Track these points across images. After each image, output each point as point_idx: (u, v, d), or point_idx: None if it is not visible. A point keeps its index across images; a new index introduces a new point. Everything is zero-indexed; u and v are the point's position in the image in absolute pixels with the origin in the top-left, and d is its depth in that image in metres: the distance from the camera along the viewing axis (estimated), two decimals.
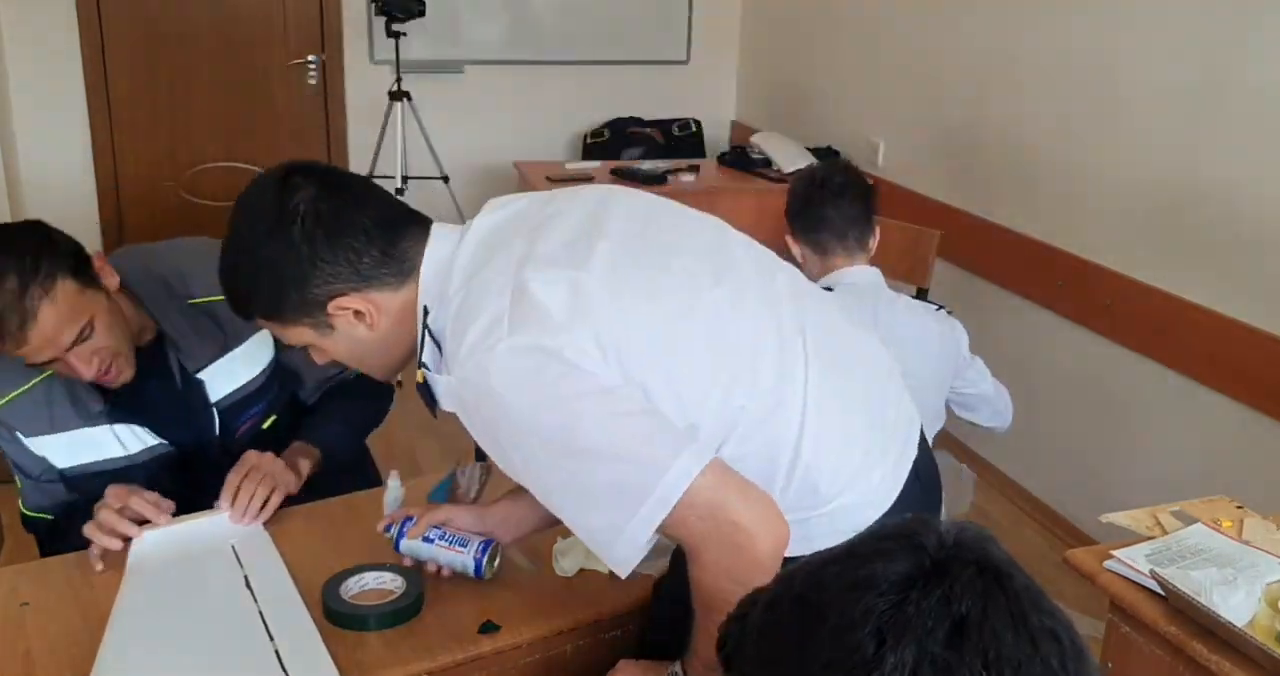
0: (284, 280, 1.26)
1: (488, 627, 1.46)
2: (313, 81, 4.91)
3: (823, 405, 1.30)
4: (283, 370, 1.90)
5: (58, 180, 4.62)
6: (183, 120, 4.79)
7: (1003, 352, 3.54)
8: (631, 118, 5.22)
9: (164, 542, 1.60)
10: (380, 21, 4.55)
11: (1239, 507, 1.72)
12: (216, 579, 1.54)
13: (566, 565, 1.58)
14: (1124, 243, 3.02)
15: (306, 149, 5.00)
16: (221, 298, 1.59)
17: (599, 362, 1.18)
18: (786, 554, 1.25)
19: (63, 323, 1.55)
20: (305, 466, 1.77)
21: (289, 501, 1.76)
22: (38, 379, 1.71)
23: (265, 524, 1.68)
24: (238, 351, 1.82)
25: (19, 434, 1.72)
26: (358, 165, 4.93)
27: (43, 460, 1.74)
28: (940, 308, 2.40)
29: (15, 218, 4.42)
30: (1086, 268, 3.13)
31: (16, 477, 1.78)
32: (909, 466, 1.39)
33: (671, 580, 1.45)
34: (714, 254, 1.37)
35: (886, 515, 1.33)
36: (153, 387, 1.75)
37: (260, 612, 1.46)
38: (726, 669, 0.79)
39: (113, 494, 1.61)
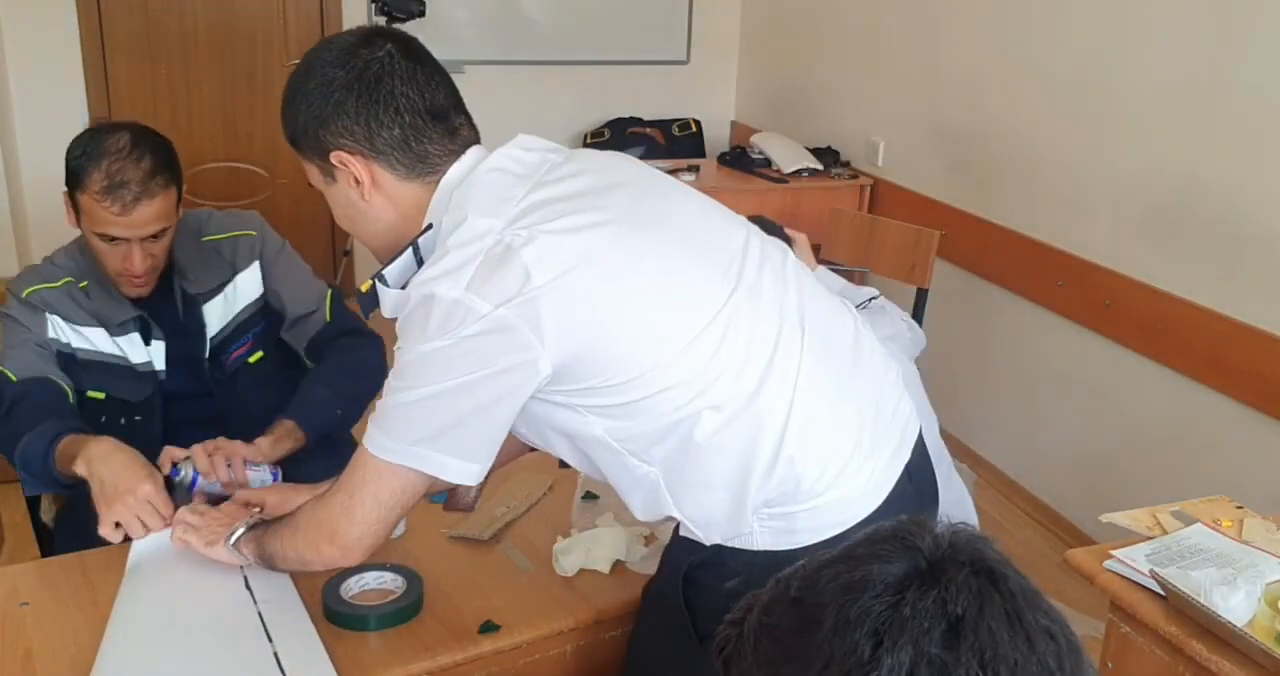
0: (308, 113, 1.32)
1: (488, 627, 1.46)
2: None
3: (814, 399, 1.30)
4: (269, 304, 2.01)
5: (59, 180, 4.60)
6: (183, 120, 4.78)
7: (1002, 352, 3.54)
8: (632, 118, 5.22)
9: (164, 541, 1.60)
10: (380, 21, 4.55)
11: (1239, 507, 1.72)
12: (216, 578, 1.54)
13: (566, 565, 1.59)
14: (1124, 242, 3.02)
15: None
16: (230, 234, 1.97)
17: (528, 341, 1.20)
18: (772, 548, 1.28)
19: (159, 216, 1.78)
20: (282, 443, 1.82)
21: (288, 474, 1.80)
22: (61, 281, 1.88)
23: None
24: (235, 280, 1.97)
25: (47, 314, 1.85)
26: None
27: (48, 341, 1.85)
28: (871, 299, 2.36)
29: (16, 219, 4.45)
30: (1086, 267, 3.13)
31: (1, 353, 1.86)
32: (901, 467, 1.39)
33: (657, 581, 1.45)
34: (727, 238, 1.37)
35: (874, 515, 1.32)
36: (157, 308, 1.91)
37: (259, 614, 1.45)
38: (725, 671, 0.79)
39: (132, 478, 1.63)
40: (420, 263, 1.28)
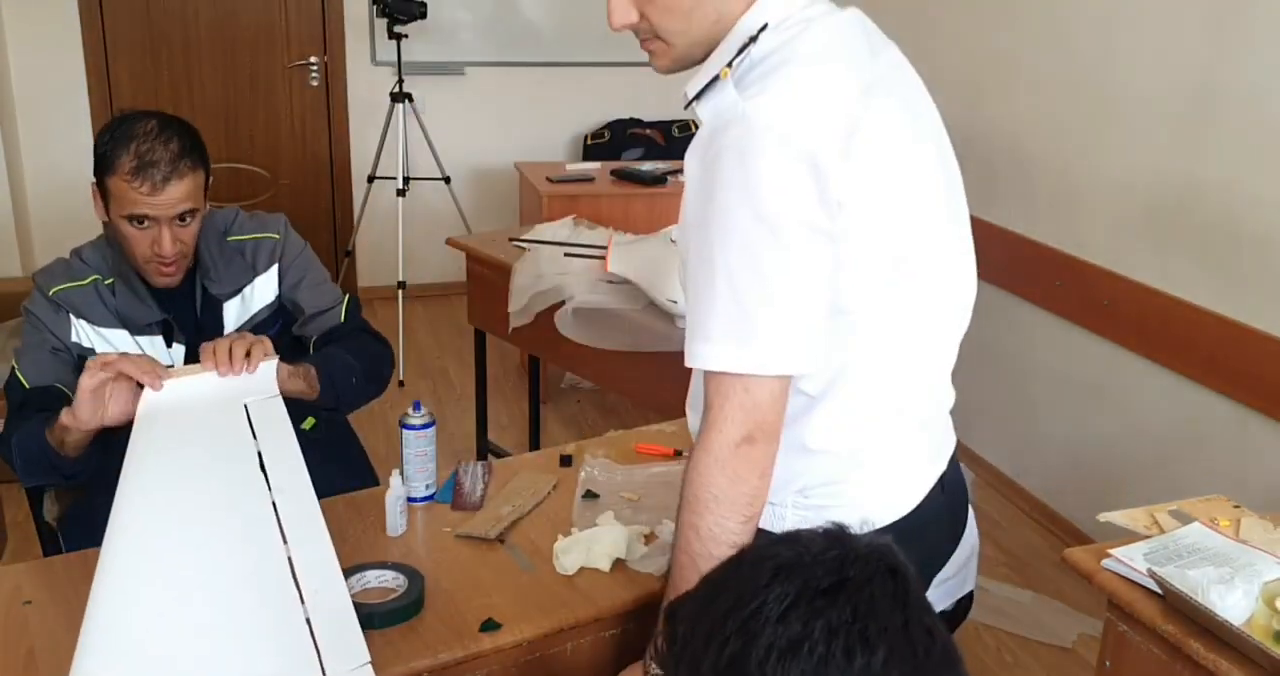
0: None
1: (488, 626, 1.46)
2: (315, 83, 4.92)
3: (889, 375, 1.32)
4: (284, 308, 2.01)
5: (60, 180, 4.63)
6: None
7: (1001, 352, 3.55)
8: (632, 119, 5.23)
9: (174, 396, 1.60)
10: (382, 23, 4.56)
11: (1236, 507, 1.73)
12: (228, 436, 1.54)
13: (567, 563, 1.59)
14: (1122, 243, 3.03)
15: (308, 150, 5.01)
16: (253, 236, 1.98)
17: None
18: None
19: (188, 197, 1.79)
20: (294, 379, 1.79)
21: None
22: (88, 279, 1.87)
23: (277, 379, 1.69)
24: (255, 282, 1.97)
25: (72, 315, 1.85)
26: (359, 166, 4.94)
27: (70, 345, 1.84)
28: None
29: (19, 218, 4.46)
30: (1085, 268, 3.14)
31: (18, 355, 1.85)
32: (935, 476, 1.39)
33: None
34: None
35: (902, 520, 1.33)
36: (181, 310, 1.91)
37: (273, 502, 1.45)
38: (669, 623, 0.92)
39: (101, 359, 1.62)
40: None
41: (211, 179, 1.88)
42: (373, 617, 1.44)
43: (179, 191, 1.78)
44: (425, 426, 1.75)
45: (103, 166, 1.78)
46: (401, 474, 1.71)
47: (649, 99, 5.28)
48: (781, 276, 1.17)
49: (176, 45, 4.72)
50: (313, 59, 4.87)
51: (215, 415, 1.59)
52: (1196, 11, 2.75)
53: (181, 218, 1.80)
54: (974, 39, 3.61)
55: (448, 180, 4.70)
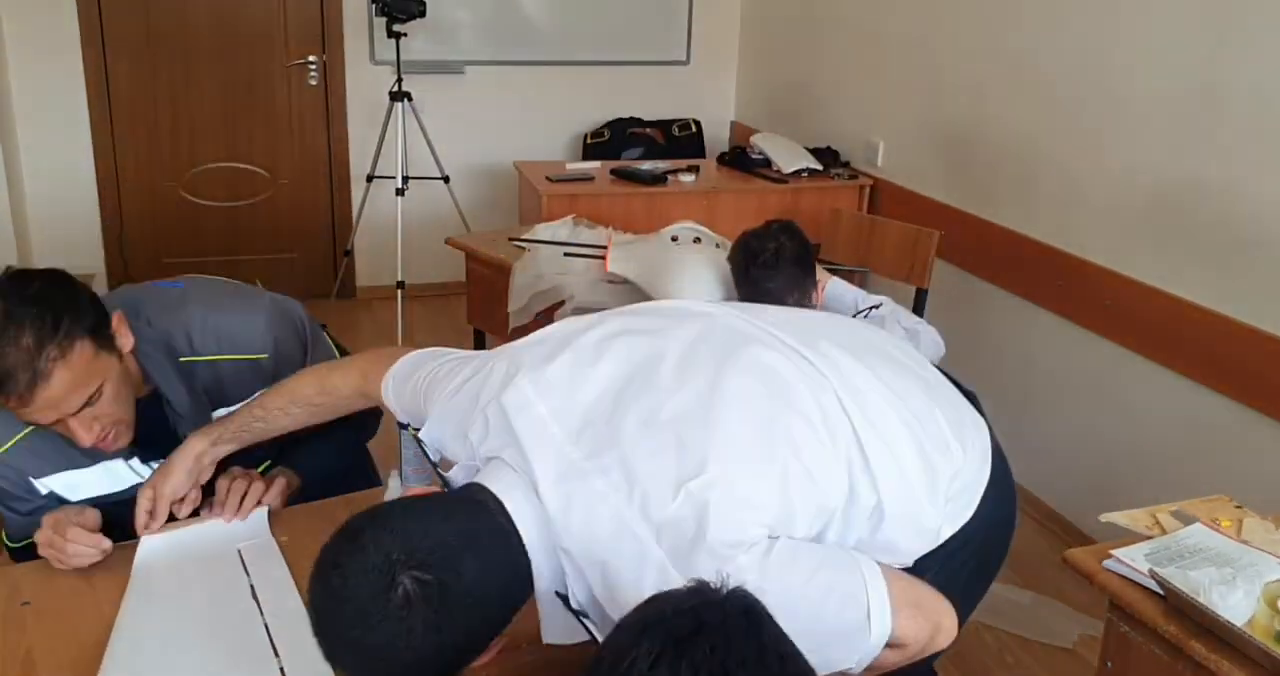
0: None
1: None
2: (313, 82, 4.91)
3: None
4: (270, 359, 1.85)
5: (59, 180, 4.63)
6: (184, 120, 4.79)
7: (1002, 352, 3.55)
8: (632, 118, 5.22)
9: (170, 545, 1.61)
10: (381, 22, 4.55)
11: (1238, 507, 1.73)
12: (222, 586, 1.54)
13: None
14: (1123, 243, 3.02)
15: (307, 149, 5.01)
16: (226, 357, 1.71)
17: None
18: (958, 528, 1.37)
19: (73, 387, 1.48)
20: (287, 482, 1.78)
21: (291, 501, 1.78)
22: (16, 437, 1.65)
23: (271, 529, 1.69)
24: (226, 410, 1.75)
25: (31, 478, 1.67)
26: (358, 165, 4.93)
27: (45, 497, 1.68)
28: (872, 309, 2.50)
29: (17, 218, 4.46)
30: (1085, 268, 3.14)
31: (1, 511, 1.72)
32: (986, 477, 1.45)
33: None
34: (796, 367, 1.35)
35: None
36: (148, 429, 1.68)
37: (265, 625, 1.45)
38: None
39: (50, 522, 1.56)
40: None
41: (114, 324, 1.55)
42: None
43: (58, 389, 1.45)
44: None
45: None
46: (400, 474, 1.71)
47: (649, 98, 5.27)
48: None
49: (176, 45, 4.71)
50: (311, 58, 4.86)
51: (210, 562, 1.58)
52: (1198, 11, 2.75)
53: (87, 402, 1.51)
54: (976, 39, 3.61)
55: (447, 179, 4.69)
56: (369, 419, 1.99)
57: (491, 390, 1.30)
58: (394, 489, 1.69)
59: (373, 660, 1.08)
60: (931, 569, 1.36)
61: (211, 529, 1.66)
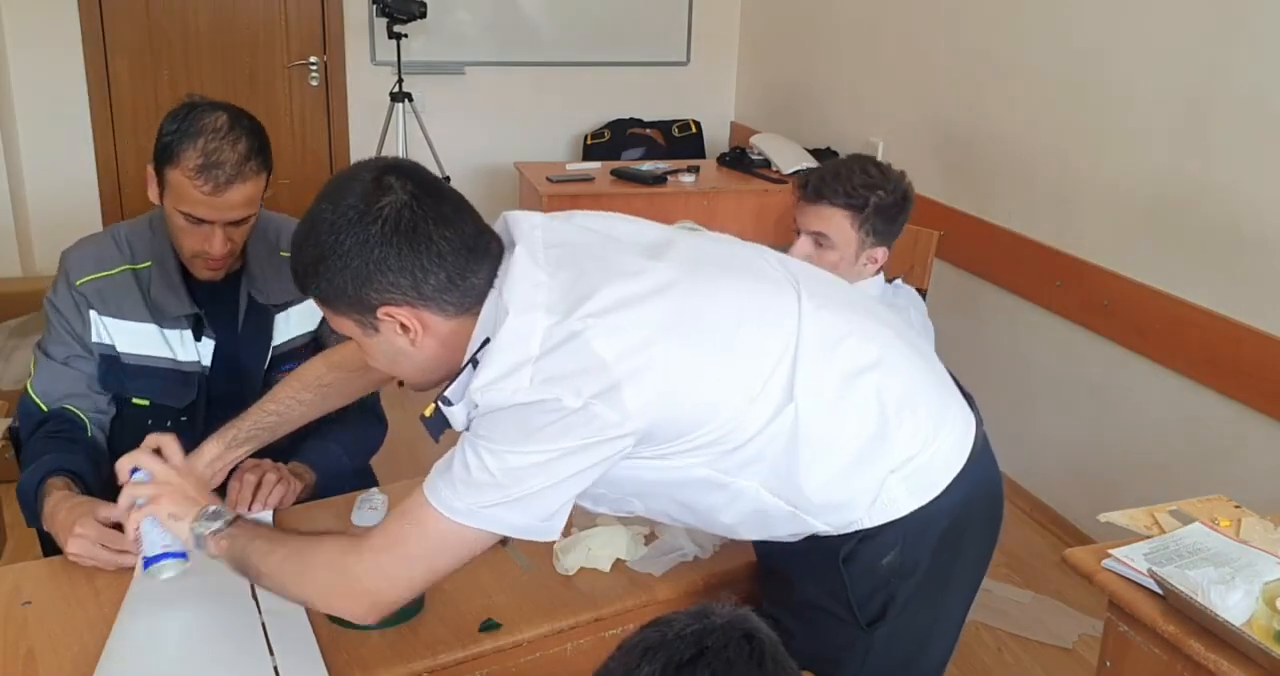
0: (345, 273, 1.25)
1: (489, 626, 1.46)
2: (314, 82, 4.91)
3: (898, 358, 1.43)
4: (318, 342, 1.97)
5: (61, 180, 4.63)
6: None
7: (1001, 352, 3.55)
8: (632, 119, 5.23)
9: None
10: (382, 23, 4.56)
11: (1237, 507, 1.73)
12: (221, 585, 1.53)
13: (568, 563, 1.59)
14: (1122, 243, 3.03)
15: (308, 149, 5.01)
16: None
17: (615, 420, 1.21)
18: (917, 506, 1.40)
19: (248, 202, 1.75)
20: (306, 477, 1.82)
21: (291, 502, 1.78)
22: (120, 268, 1.84)
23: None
24: (304, 303, 1.92)
25: (93, 311, 1.81)
26: None
27: (90, 345, 1.82)
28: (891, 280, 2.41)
29: (19, 218, 4.46)
30: (1085, 268, 3.14)
31: (36, 360, 1.84)
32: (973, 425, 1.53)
33: (802, 590, 1.48)
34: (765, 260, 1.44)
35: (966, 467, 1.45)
36: (216, 308, 1.87)
37: (263, 624, 1.46)
38: None
39: (83, 526, 1.58)
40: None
41: (273, 180, 1.81)
42: None
43: (240, 195, 1.72)
44: None
45: (165, 156, 1.71)
46: None
47: (649, 99, 5.28)
48: None
49: (176, 45, 4.72)
50: (313, 59, 4.86)
51: (211, 562, 1.55)
52: (1198, 11, 2.75)
53: (237, 221, 1.76)
54: (974, 39, 3.61)
55: (447, 180, 4.64)
56: (378, 425, 2.06)
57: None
58: (375, 501, 1.75)
59: (310, 236, 1.26)
60: (895, 546, 1.40)
61: None
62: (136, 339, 1.83)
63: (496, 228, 1.35)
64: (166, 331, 1.84)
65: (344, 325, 1.32)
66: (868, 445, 1.36)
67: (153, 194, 1.78)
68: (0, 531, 2.93)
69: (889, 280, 2.38)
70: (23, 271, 4.35)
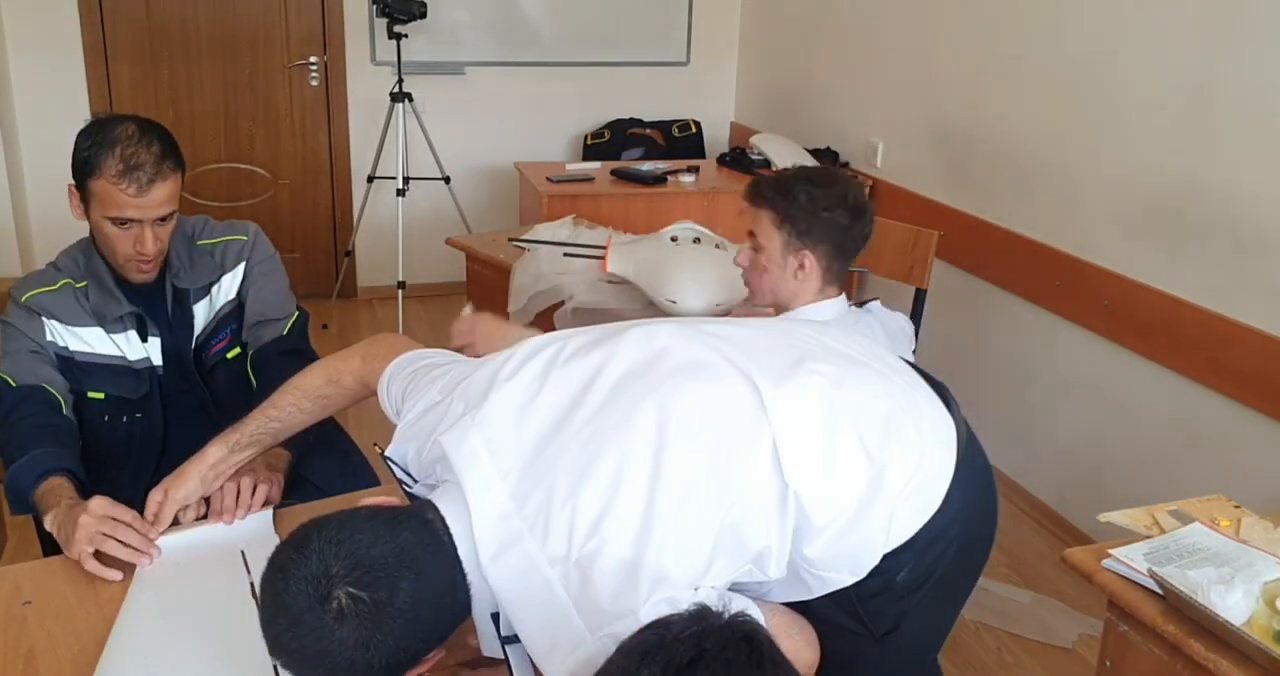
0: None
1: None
2: (314, 82, 4.91)
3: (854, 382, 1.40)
4: (242, 307, 2.07)
5: (61, 180, 4.61)
6: (185, 121, 4.80)
7: (1001, 353, 3.55)
8: (632, 119, 5.23)
9: (173, 548, 1.61)
10: (382, 23, 4.56)
11: (1237, 507, 1.73)
12: (222, 586, 1.54)
13: None
14: (1122, 243, 3.03)
15: (308, 150, 5.01)
16: (221, 239, 2.07)
17: None
18: (923, 521, 1.37)
19: (169, 198, 1.88)
20: (281, 462, 1.84)
21: (291, 502, 1.79)
22: (59, 284, 1.95)
23: (275, 530, 1.69)
24: (221, 281, 2.05)
25: (43, 318, 1.92)
26: (359, 166, 4.94)
27: (46, 345, 1.91)
28: (863, 304, 2.41)
29: (19, 218, 4.45)
30: (1085, 268, 3.14)
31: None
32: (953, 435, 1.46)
33: (817, 615, 1.45)
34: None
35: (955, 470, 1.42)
36: (152, 306, 1.98)
37: None
38: None
39: (102, 509, 1.61)
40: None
41: (187, 192, 1.93)
42: None
43: (162, 193, 1.85)
44: None
45: (86, 169, 1.84)
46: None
47: (649, 99, 5.28)
48: None
49: (176, 45, 4.72)
50: (313, 59, 4.87)
51: (211, 562, 1.59)
52: (1197, 11, 2.75)
53: (163, 218, 1.88)
54: (974, 39, 3.61)
55: (447, 180, 4.69)
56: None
57: (447, 422, 1.33)
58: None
59: (303, 662, 1.14)
60: (908, 563, 1.37)
61: (217, 531, 1.67)
62: (87, 341, 1.94)
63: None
64: (114, 335, 1.95)
65: None
66: (865, 494, 1.31)
67: (76, 212, 1.91)
68: (0, 531, 2.93)
69: (895, 282, 2.38)
70: (23, 271, 4.35)
